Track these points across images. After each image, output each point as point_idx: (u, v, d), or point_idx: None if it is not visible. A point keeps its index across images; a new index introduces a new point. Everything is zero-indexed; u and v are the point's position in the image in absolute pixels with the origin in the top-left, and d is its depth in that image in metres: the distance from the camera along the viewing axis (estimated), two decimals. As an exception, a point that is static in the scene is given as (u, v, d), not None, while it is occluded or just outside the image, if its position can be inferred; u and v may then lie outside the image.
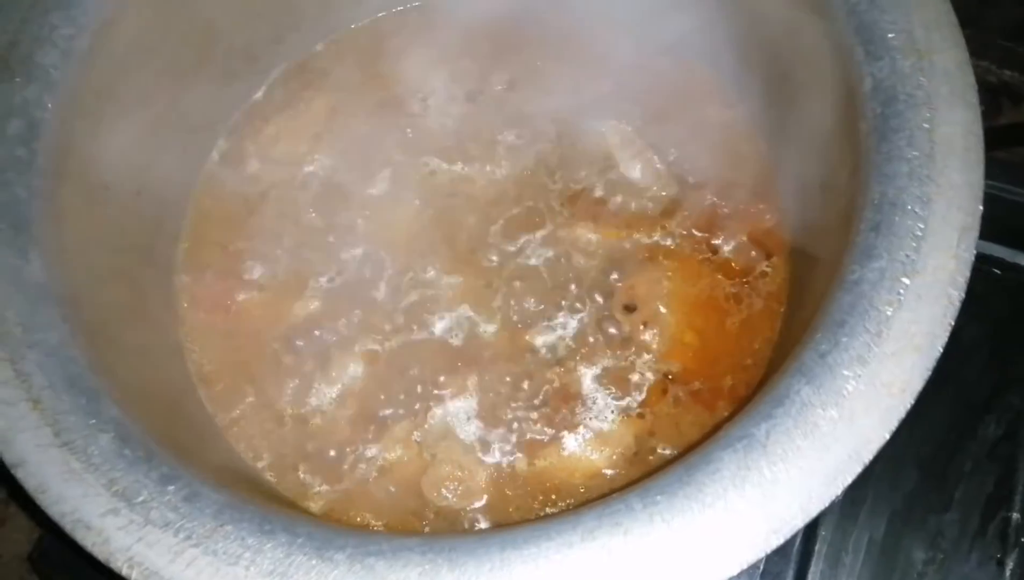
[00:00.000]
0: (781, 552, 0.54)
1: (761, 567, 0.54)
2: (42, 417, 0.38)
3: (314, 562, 0.35)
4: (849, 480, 0.35)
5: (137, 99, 0.52)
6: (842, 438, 0.36)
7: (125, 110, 0.51)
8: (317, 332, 0.55)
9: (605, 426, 0.52)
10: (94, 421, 0.38)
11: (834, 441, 0.36)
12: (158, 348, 0.52)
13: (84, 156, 0.48)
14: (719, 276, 0.55)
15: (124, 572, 0.35)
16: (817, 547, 0.55)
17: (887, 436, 0.36)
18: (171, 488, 0.37)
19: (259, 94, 0.63)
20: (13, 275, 0.41)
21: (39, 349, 0.39)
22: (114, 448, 0.37)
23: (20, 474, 0.37)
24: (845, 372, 0.37)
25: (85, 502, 0.36)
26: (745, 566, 0.34)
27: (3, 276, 0.41)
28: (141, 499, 0.36)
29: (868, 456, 0.35)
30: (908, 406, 0.36)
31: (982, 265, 0.59)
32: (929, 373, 0.37)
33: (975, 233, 0.39)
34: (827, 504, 0.35)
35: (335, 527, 0.37)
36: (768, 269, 0.55)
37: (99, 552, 0.35)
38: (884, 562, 0.54)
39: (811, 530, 0.55)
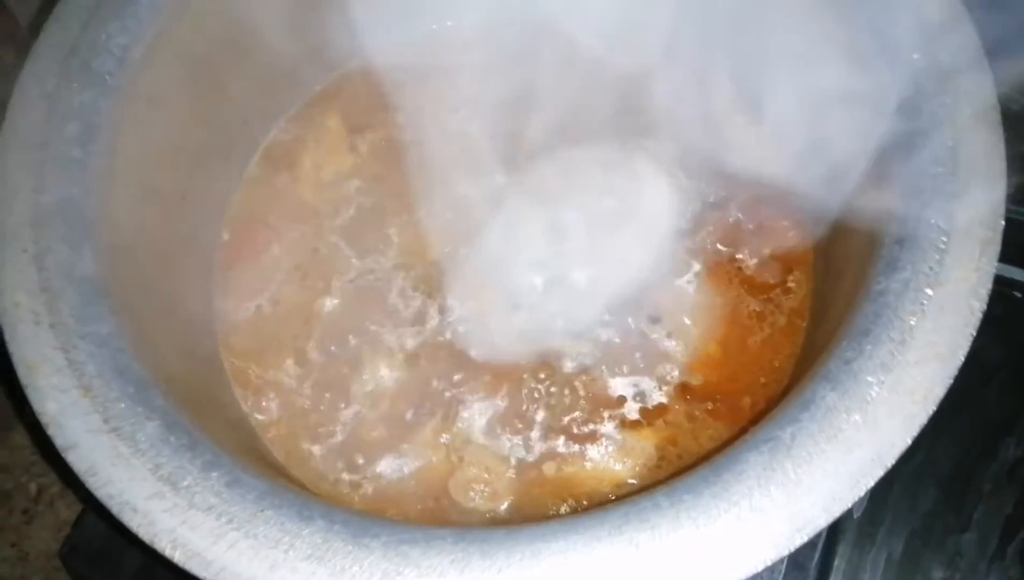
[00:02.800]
0: (800, 567, 0.55)
1: (780, 581, 0.54)
2: (92, 404, 0.39)
3: (350, 548, 0.36)
4: (872, 483, 0.36)
5: (184, 107, 0.54)
6: (865, 442, 0.36)
7: (173, 117, 0.53)
8: (349, 336, 0.56)
9: (628, 436, 0.53)
10: (141, 409, 0.40)
11: (857, 445, 0.36)
12: (196, 347, 0.54)
13: (134, 159, 0.49)
14: (743, 291, 0.56)
15: (167, 553, 0.36)
16: (836, 563, 0.55)
17: (909, 441, 0.37)
18: (214, 474, 0.38)
19: (297, 107, 0.65)
20: (67, 269, 0.43)
21: (90, 340, 0.41)
22: (160, 435, 0.39)
23: (71, 457, 0.38)
24: (869, 379, 0.38)
25: (132, 485, 0.37)
26: (769, 563, 0.35)
27: (58, 270, 0.43)
28: (186, 484, 0.38)
29: (890, 460, 0.36)
30: (930, 413, 0.37)
31: (1003, 288, 0.60)
32: (951, 381, 0.38)
33: (997, 247, 0.40)
34: (850, 505, 0.35)
35: (370, 516, 0.38)
36: (792, 285, 0.56)
37: (144, 533, 0.37)
38: (902, 580, 0.55)
39: (830, 546, 0.56)
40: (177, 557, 0.36)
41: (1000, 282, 0.40)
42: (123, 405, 0.39)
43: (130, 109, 0.49)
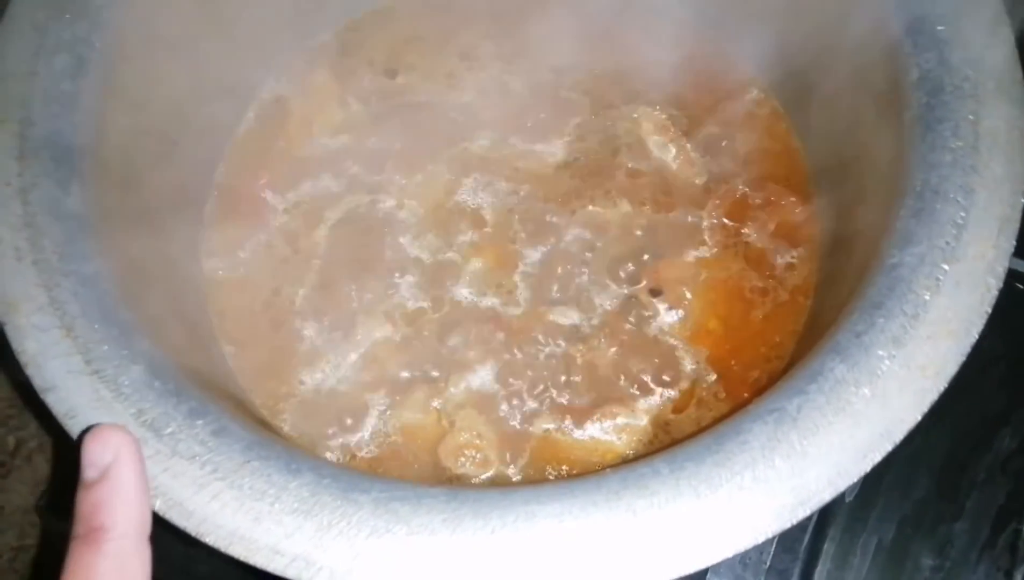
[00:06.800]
0: (789, 549, 0.54)
1: (768, 562, 0.54)
2: (74, 345, 0.38)
3: (339, 503, 0.34)
4: (879, 458, 0.35)
5: (181, 48, 0.52)
6: (874, 416, 0.35)
7: (168, 57, 0.51)
8: (341, 294, 0.55)
9: (623, 409, 0.52)
10: (126, 352, 0.38)
11: (866, 419, 0.35)
12: (182, 296, 0.52)
13: (126, 99, 0.48)
14: (746, 266, 0.55)
15: (148, 502, 0.35)
16: (825, 547, 0.55)
17: (919, 417, 0.36)
18: (200, 422, 0.37)
19: (295, 60, 0.63)
20: (53, 205, 0.41)
21: (74, 278, 0.39)
22: (144, 379, 0.37)
23: (50, 399, 0.37)
24: (880, 352, 0.37)
25: (113, 430, 0.36)
26: (771, 535, 0.34)
27: (43, 205, 0.41)
28: (169, 431, 0.36)
29: (899, 435, 0.35)
30: (941, 389, 0.36)
31: (1005, 279, 0.59)
32: (964, 358, 0.37)
33: (1016, 225, 0.39)
34: (856, 480, 0.35)
35: (360, 472, 0.37)
36: (795, 262, 0.55)
37: (124, 480, 0.35)
38: (892, 566, 0.54)
39: (820, 530, 0.55)
40: (157, 506, 0.35)
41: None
42: (106, 347, 0.38)
43: (125, 45, 0.47)
